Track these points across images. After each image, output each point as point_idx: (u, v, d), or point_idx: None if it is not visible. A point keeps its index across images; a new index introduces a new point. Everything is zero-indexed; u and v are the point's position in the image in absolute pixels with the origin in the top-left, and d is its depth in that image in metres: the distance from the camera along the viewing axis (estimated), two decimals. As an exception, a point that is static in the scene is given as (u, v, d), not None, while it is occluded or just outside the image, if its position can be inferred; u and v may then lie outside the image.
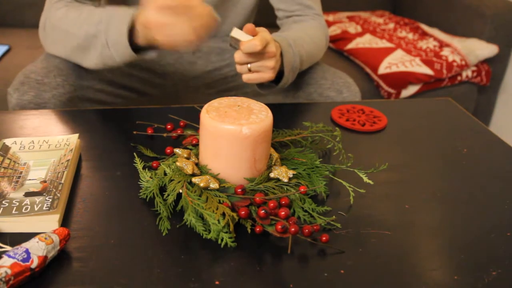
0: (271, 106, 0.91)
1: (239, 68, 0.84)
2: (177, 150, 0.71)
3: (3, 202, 0.61)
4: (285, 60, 0.89)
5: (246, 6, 1.11)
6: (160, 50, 0.86)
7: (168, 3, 0.74)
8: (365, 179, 0.71)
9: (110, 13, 0.84)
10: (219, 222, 0.58)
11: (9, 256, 0.51)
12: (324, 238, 0.60)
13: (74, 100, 0.97)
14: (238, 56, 0.81)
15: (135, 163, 0.71)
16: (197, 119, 0.83)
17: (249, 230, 0.62)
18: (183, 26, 0.75)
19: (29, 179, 0.66)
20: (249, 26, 0.80)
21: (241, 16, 1.12)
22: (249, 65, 0.82)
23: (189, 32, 0.75)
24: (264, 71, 0.83)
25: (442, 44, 1.92)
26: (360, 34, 2.05)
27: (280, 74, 0.92)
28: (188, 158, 0.70)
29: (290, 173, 0.69)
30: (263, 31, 0.81)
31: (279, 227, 0.59)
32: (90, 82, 1.02)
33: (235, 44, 0.82)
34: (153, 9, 0.75)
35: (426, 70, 1.75)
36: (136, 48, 0.84)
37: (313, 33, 1.02)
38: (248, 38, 0.79)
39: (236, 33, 0.79)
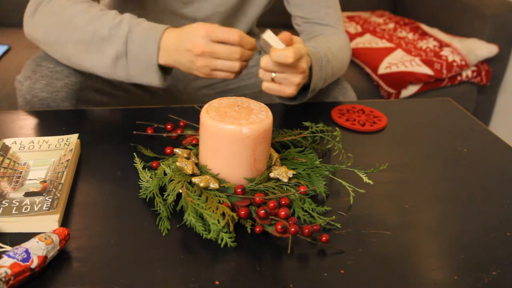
0: (271, 106, 0.91)
1: (262, 74, 0.77)
2: (177, 150, 0.71)
3: (3, 202, 0.61)
4: (312, 83, 0.85)
5: (253, 16, 1.10)
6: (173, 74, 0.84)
7: (225, 36, 0.72)
8: (365, 179, 0.71)
9: (133, 21, 0.79)
10: (219, 222, 0.58)
11: (9, 256, 0.51)
12: (324, 238, 0.60)
13: (85, 90, 0.95)
14: (264, 61, 0.75)
15: (135, 163, 0.71)
16: (197, 119, 0.83)
17: (249, 230, 0.62)
18: (232, 58, 0.73)
19: (29, 179, 0.66)
20: (286, 34, 0.74)
21: (246, 25, 1.11)
22: (273, 74, 0.77)
23: (235, 66, 0.74)
24: (287, 85, 0.78)
25: (442, 44, 1.92)
26: (360, 34, 2.05)
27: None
28: (188, 158, 0.70)
29: (290, 173, 0.69)
30: (298, 43, 0.76)
31: (279, 227, 0.59)
32: None
33: (265, 47, 0.76)
34: (205, 37, 0.73)
35: (426, 70, 1.75)
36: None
37: (344, 53, 0.98)
38: (280, 46, 0.73)
39: (268, 36, 0.73)
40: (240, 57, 0.75)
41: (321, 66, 0.87)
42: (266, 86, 0.78)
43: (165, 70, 0.83)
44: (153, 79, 0.81)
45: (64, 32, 0.83)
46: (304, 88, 0.89)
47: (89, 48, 0.81)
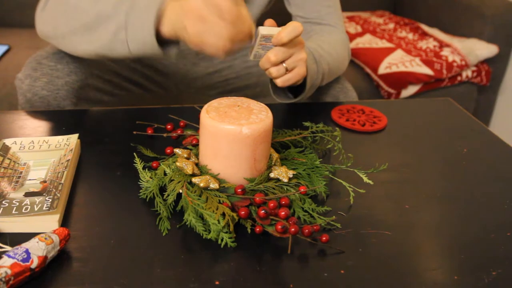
0: (271, 106, 0.91)
1: (275, 71, 0.77)
2: (177, 150, 0.71)
3: (3, 202, 0.61)
4: (308, 76, 0.85)
5: (253, 15, 1.10)
6: (181, 47, 0.78)
7: (223, 4, 0.66)
8: (365, 179, 0.71)
9: None
10: (219, 222, 0.58)
11: (9, 256, 0.51)
12: (324, 238, 0.60)
13: (85, 88, 0.95)
14: (274, 53, 0.74)
15: (135, 163, 0.71)
16: (197, 119, 0.83)
17: (249, 230, 0.62)
18: (223, 29, 0.68)
19: (29, 179, 0.66)
20: (272, 20, 0.73)
21: None
22: (284, 64, 0.76)
23: (225, 39, 0.68)
24: (299, 66, 0.78)
25: (442, 44, 1.92)
26: (360, 34, 2.05)
27: (297, 87, 0.90)
28: (188, 158, 0.70)
29: (290, 173, 0.69)
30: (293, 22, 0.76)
31: (279, 227, 0.59)
32: (100, 71, 1.02)
33: (263, 47, 0.75)
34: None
35: (426, 70, 1.75)
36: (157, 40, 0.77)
37: (338, 50, 0.98)
38: (278, 30, 0.73)
39: (265, 30, 0.72)
40: (232, 29, 0.68)
41: (314, 60, 0.88)
42: (284, 79, 0.78)
43: (171, 43, 0.80)
44: (153, 48, 0.77)
45: (72, 20, 0.81)
46: (302, 86, 0.89)
47: (96, 29, 0.79)
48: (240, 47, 0.72)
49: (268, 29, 0.73)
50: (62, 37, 0.84)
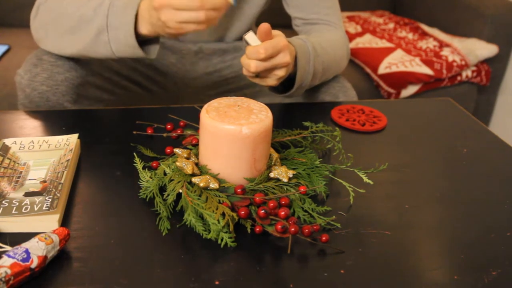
0: (271, 106, 0.91)
1: (245, 71, 0.79)
2: (177, 150, 0.71)
3: (3, 202, 0.61)
4: (298, 76, 0.86)
5: (251, 15, 1.10)
6: (160, 47, 0.82)
7: None
8: (365, 179, 0.71)
9: None
10: (219, 222, 0.58)
11: (9, 256, 0.51)
12: (324, 238, 0.60)
13: (85, 85, 0.96)
14: (255, 65, 0.76)
15: (135, 163, 0.71)
16: (197, 119, 0.83)
17: (249, 230, 0.62)
18: (192, 7, 0.68)
19: (29, 179, 0.66)
20: (264, 27, 0.74)
21: (245, 24, 1.11)
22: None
23: (199, 16, 0.69)
24: (271, 77, 0.80)
25: (442, 44, 1.92)
26: (360, 34, 2.05)
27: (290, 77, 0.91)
28: (188, 158, 0.70)
29: (290, 173, 0.69)
30: (278, 36, 0.77)
31: (279, 227, 0.59)
32: (100, 69, 1.02)
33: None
34: None
35: (426, 70, 1.75)
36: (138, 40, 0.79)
37: (337, 48, 0.98)
38: (257, 43, 0.75)
39: (249, 36, 0.76)
40: (202, 5, 0.68)
41: (308, 59, 0.88)
42: (251, 78, 0.81)
43: (151, 41, 0.83)
44: (134, 49, 0.80)
45: (59, 24, 0.85)
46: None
47: (78, 32, 0.83)
48: (218, 15, 0.71)
49: (251, 38, 0.76)
50: (50, 41, 0.88)
